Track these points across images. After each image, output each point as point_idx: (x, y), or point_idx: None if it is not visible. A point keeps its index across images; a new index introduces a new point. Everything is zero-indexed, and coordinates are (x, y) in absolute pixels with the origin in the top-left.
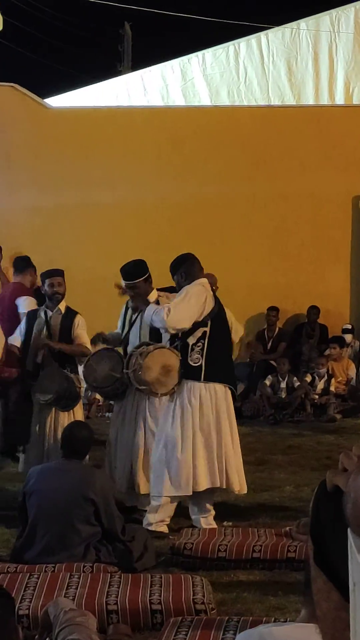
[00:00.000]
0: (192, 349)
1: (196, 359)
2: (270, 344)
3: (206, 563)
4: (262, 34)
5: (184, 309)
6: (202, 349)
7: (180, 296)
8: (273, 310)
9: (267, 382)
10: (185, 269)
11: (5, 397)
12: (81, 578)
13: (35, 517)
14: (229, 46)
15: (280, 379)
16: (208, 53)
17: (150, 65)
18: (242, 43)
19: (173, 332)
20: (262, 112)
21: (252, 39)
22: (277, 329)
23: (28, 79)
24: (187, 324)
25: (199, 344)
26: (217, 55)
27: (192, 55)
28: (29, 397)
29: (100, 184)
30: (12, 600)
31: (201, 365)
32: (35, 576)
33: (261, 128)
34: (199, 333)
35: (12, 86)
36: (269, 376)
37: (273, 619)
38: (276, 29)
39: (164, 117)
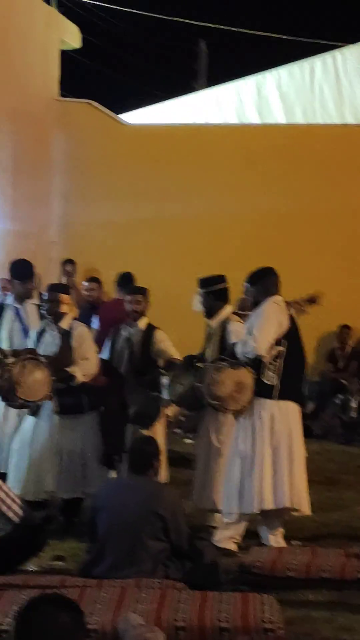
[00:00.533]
0: (268, 368)
1: (270, 377)
2: (342, 362)
3: (275, 582)
4: (337, 52)
5: (268, 331)
6: (277, 368)
7: (261, 318)
8: (346, 328)
9: (338, 401)
10: (265, 282)
11: (103, 407)
12: (150, 594)
13: (104, 532)
14: (304, 63)
15: (351, 398)
16: (283, 70)
17: (225, 83)
18: (317, 60)
19: (267, 355)
20: (337, 130)
21: (328, 56)
22: (349, 347)
23: (104, 95)
24: (272, 345)
25: (275, 362)
26: (293, 73)
27: (267, 73)
28: (125, 408)
29: (174, 200)
30: (82, 614)
31: (275, 383)
32: (104, 591)
33: (336, 146)
34: (274, 352)
35: (88, 103)
36: (340, 395)
37: None
38: (352, 46)
39: (239, 134)
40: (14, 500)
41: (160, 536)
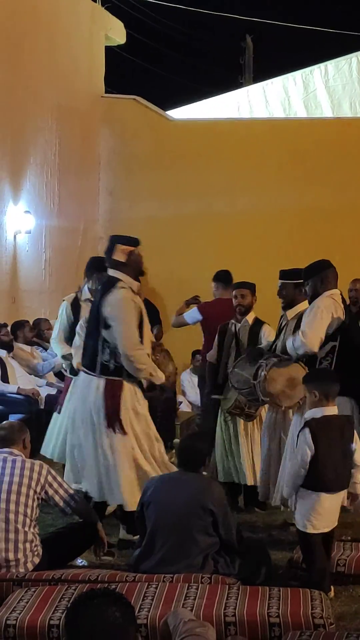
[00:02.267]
0: (321, 363)
1: None
2: None
3: None
4: None
5: (319, 326)
6: (331, 364)
7: (312, 313)
8: None
9: None
10: (322, 276)
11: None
12: (199, 589)
13: (153, 527)
14: (352, 58)
15: None
16: (330, 65)
17: (271, 77)
18: None
19: (317, 351)
20: None
21: None
22: None
23: (150, 91)
24: (323, 340)
25: (328, 358)
26: (340, 67)
27: (314, 67)
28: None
29: (220, 195)
30: (132, 608)
31: None
32: (154, 586)
33: None
34: (328, 347)
35: (134, 99)
36: None
37: None
38: None
39: (286, 129)
40: (67, 491)
41: (209, 531)
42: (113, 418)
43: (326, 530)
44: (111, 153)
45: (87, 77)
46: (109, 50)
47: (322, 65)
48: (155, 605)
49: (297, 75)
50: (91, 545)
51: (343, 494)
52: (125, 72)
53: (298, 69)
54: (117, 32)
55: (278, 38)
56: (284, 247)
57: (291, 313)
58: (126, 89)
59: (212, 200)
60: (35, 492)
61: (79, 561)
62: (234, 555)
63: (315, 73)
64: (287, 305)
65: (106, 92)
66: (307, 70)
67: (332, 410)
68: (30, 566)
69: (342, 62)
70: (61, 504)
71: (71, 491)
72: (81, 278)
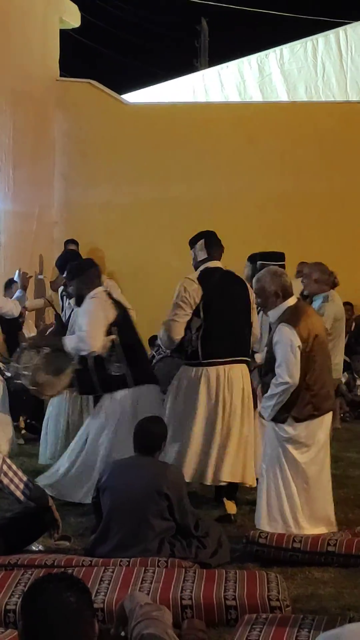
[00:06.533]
0: (109, 360)
1: (117, 368)
2: (346, 340)
3: (280, 554)
4: (340, 29)
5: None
6: (116, 358)
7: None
8: (347, 305)
9: (343, 379)
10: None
11: None
12: (156, 573)
13: (109, 512)
14: (307, 42)
15: (357, 377)
16: (286, 49)
17: (227, 61)
18: (320, 38)
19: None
20: (340, 108)
21: (331, 34)
22: (353, 325)
23: (105, 75)
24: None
25: (112, 354)
26: (295, 51)
27: (270, 51)
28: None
29: (176, 179)
30: (88, 593)
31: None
32: (110, 570)
33: (339, 124)
34: (107, 342)
35: (89, 82)
36: (345, 373)
37: (349, 618)
38: (355, 24)
39: (241, 112)
40: (21, 480)
41: (165, 515)
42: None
43: None
44: (66, 137)
45: (41, 60)
46: (64, 33)
47: (277, 49)
48: (112, 589)
49: (253, 59)
50: (46, 530)
51: None
52: (79, 55)
53: (254, 53)
54: (71, 16)
55: (233, 21)
56: (240, 232)
57: None
58: (81, 73)
59: (168, 185)
60: None
61: (35, 546)
62: (190, 539)
63: (271, 57)
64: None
65: (61, 75)
66: (262, 54)
67: None
68: None
69: (298, 46)
70: (17, 492)
71: (25, 479)
72: (36, 263)
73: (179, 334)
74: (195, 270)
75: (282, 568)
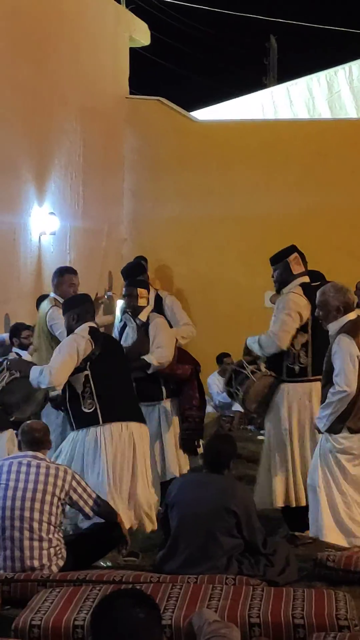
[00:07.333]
0: (83, 396)
1: (89, 404)
2: None
3: (348, 576)
4: None
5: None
6: (91, 394)
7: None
8: None
9: None
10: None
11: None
12: (224, 590)
13: (177, 528)
14: None
15: None
16: (355, 65)
17: (296, 78)
18: None
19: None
20: None
21: None
22: None
23: (174, 92)
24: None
25: (85, 390)
26: None
27: (339, 68)
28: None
29: (244, 196)
30: (157, 609)
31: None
32: (178, 587)
33: None
34: (82, 378)
35: (158, 100)
36: None
37: None
38: None
39: (310, 129)
40: (90, 496)
41: (233, 532)
42: None
43: None
44: (135, 154)
45: (111, 78)
46: (133, 51)
47: (346, 65)
48: (180, 606)
49: (322, 75)
50: (115, 546)
51: None
52: (149, 73)
53: (322, 70)
54: (141, 34)
55: (302, 38)
56: (309, 249)
57: None
58: (150, 91)
59: (237, 202)
60: (59, 498)
61: (104, 563)
62: (258, 557)
63: (340, 74)
64: None
65: (130, 93)
66: (331, 70)
67: None
68: (55, 569)
69: None
70: (85, 508)
71: (94, 495)
72: (105, 280)
73: (286, 345)
74: (281, 284)
75: (350, 587)
